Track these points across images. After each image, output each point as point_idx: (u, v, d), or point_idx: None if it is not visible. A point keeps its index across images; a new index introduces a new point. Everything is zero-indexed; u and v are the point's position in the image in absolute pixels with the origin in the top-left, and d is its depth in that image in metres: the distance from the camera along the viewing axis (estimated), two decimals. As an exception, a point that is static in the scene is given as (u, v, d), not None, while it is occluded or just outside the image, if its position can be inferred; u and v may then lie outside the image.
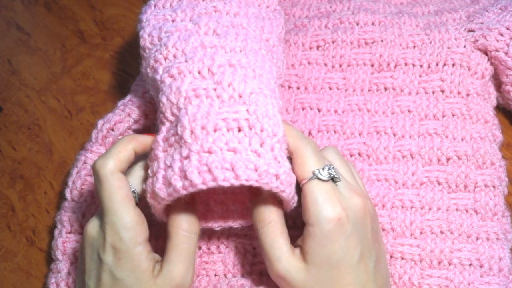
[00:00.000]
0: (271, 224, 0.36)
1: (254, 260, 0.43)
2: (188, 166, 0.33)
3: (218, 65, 0.37)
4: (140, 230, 0.36)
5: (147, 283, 0.36)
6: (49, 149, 0.58)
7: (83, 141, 0.51)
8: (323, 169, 0.35)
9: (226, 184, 0.33)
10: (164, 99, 0.37)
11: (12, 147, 0.58)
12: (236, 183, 0.33)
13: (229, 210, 0.40)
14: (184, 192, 0.33)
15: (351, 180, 0.38)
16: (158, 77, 0.39)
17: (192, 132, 0.34)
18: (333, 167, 0.36)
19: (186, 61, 0.38)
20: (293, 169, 0.35)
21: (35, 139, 0.59)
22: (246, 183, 0.33)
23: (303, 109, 0.49)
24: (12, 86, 0.63)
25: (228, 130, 0.34)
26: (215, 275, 0.43)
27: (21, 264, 0.51)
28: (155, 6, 0.45)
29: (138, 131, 0.48)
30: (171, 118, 0.37)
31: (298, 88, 0.50)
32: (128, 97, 0.49)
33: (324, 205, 0.34)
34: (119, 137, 0.47)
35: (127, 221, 0.35)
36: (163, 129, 0.37)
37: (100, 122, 0.47)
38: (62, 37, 0.66)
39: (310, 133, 0.48)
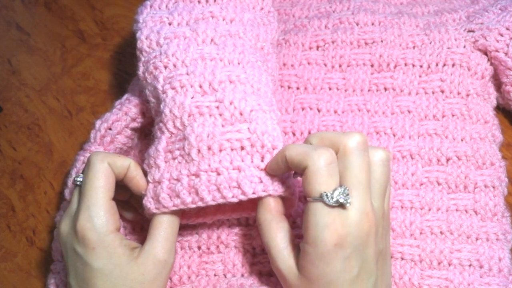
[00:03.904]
0: (265, 223, 0.36)
1: (253, 260, 0.43)
2: (199, 185, 0.36)
3: (219, 80, 0.39)
4: (112, 220, 0.36)
5: (127, 266, 0.36)
6: (49, 149, 0.58)
7: (83, 141, 0.51)
8: (332, 192, 0.32)
9: (235, 200, 0.36)
10: (167, 111, 0.39)
11: (12, 147, 0.58)
12: (245, 198, 0.36)
13: (223, 205, 0.40)
14: (193, 206, 0.37)
15: (377, 196, 0.34)
16: (159, 86, 0.40)
17: (199, 151, 0.37)
18: (346, 190, 0.32)
19: (187, 74, 0.39)
20: (302, 183, 0.34)
21: (35, 139, 0.59)
22: (254, 196, 0.36)
23: (302, 109, 0.49)
24: (12, 86, 0.63)
25: (232, 149, 0.37)
26: (215, 275, 0.43)
27: (21, 264, 0.51)
28: (151, 6, 0.45)
29: (135, 130, 0.48)
30: (173, 130, 0.39)
31: (298, 88, 0.50)
32: (125, 96, 0.49)
33: (323, 230, 0.32)
34: (117, 136, 0.47)
35: (100, 208, 0.36)
36: (163, 139, 0.39)
37: (98, 122, 0.48)
38: (62, 37, 0.66)
39: (310, 133, 0.47)
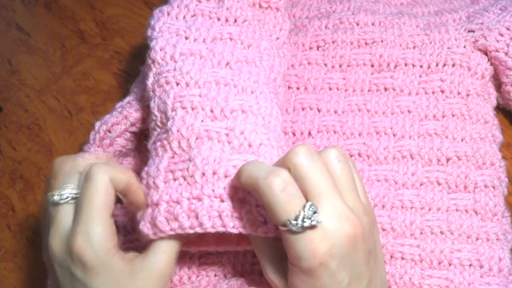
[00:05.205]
0: (255, 240, 0.36)
1: (254, 260, 0.43)
2: (200, 209, 0.35)
3: (231, 108, 0.38)
4: (111, 238, 0.34)
5: (129, 281, 0.34)
6: (49, 149, 0.58)
7: (83, 141, 0.51)
8: (296, 219, 0.30)
9: (235, 231, 0.35)
10: (174, 129, 0.38)
11: (12, 147, 0.58)
12: (245, 232, 0.35)
13: (227, 235, 0.39)
14: (191, 231, 0.35)
15: (348, 194, 0.33)
16: (169, 102, 0.39)
17: (203, 174, 0.36)
18: (310, 208, 0.30)
19: (200, 96, 0.39)
20: (267, 213, 0.33)
21: (35, 139, 0.59)
22: (254, 233, 0.35)
23: (303, 109, 0.49)
24: (12, 86, 0.63)
25: None
26: (215, 275, 0.43)
27: (21, 264, 0.51)
28: (168, 14, 0.44)
29: (134, 134, 0.48)
30: (177, 150, 0.38)
31: (298, 88, 0.50)
32: (127, 99, 0.49)
33: (303, 252, 0.30)
34: (116, 139, 0.47)
35: (99, 228, 0.33)
36: (165, 158, 0.38)
37: (97, 124, 0.47)
38: (62, 37, 0.66)
39: (310, 134, 0.48)
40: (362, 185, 0.35)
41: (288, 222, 0.30)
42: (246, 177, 0.32)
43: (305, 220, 0.30)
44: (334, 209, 0.31)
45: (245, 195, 0.35)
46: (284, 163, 0.32)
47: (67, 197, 0.34)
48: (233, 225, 0.35)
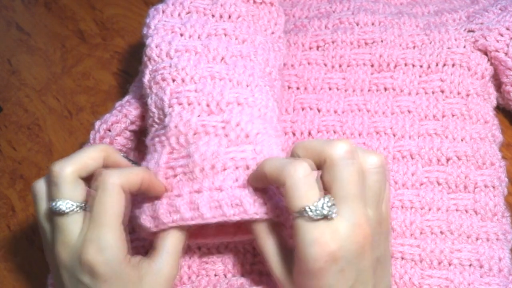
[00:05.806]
0: (256, 227, 0.36)
1: (253, 259, 0.43)
2: (201, 200, 0.35)
3: (227, 101, 0.39)
4: (123, 246, 0.33)
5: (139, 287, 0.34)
6: (49, 149, 0.58)
7: (83, 141, 0.51)
8: (315, 204, 0.30)
9: (236, 218, 0.35)
10: (172, 125, 0.38)
11: (12, 147, 0.58)
12: (246, 217, 0.35)
13: (224, 226, 0.39)
14: (192, 222, 0.35)
15: (371, 204, 0.32)
16: (165, 98, 0.40)
17: (202, 169, 0.36)
18: (330, 200, 0.30)
19: (196, 91, 0.39)
20: (284, 199, 0.32)
21: (35, 139, 0.59)
22: (256, 217, 0.35)
23: (302, 109, 0.49)
24: (12, 86, 0.63)
25: (236, 168, 0.36)
26: (215, 275, 0.43)
27: (21, 264, 0.51)
28: (163, 12, 0.45)
29: (134, 132, 0.48)
30: (176, 145, 0.38)
31: (298, 88, 0.50)
32: (126, 98, 0.49)
33: (311, 246, 0.30)
34: (116, 138, 0.47)
35: (113, 238, 0.33)
36: (164, 153, 0.38)
37: (97, 123, 0.47)
38: (62, 37, 0.66)
39: (310, 133, 0.48)
40: (389, 194, 0.35)
41: (307, 207, 0.30)
42: (270, 166, 0.33)
43: (324, 207, 0.30)
44: (351, 216, 0.31)
45: (243, 182, 0.36)
46: (321, 153, 0.32)
47: (73, 206, 0.34)
48: (233, 213, 0.35)
